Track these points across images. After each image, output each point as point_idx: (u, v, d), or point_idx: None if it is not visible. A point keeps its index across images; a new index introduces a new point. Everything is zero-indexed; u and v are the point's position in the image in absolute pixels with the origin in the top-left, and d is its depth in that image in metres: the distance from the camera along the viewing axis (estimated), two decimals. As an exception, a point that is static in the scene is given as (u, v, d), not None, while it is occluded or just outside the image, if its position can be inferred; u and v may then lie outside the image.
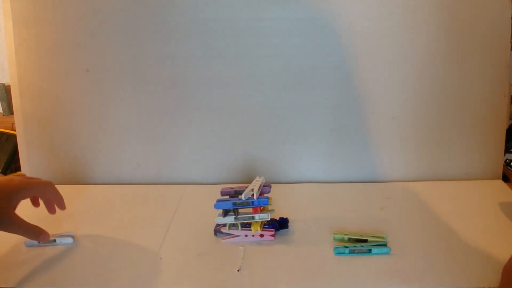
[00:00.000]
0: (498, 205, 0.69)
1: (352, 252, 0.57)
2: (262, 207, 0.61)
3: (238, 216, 0.60)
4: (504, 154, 0.79)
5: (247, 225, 0.61)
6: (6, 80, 0.89)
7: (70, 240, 0.62)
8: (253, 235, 0.61)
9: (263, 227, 0.61)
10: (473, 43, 0.74)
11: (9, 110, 0.89)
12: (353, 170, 0.79)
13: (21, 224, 0.55)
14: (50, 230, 0.64)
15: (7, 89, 0.89)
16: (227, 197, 0.62)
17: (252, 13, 0.74)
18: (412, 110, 0.76)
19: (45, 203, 0.61)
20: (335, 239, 0.60)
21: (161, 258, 0.58)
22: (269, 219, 0.61)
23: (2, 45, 0.82)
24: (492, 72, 0.74)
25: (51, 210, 0.61)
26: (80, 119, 0.79)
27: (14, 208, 0.55)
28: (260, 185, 0.61)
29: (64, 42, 0.76)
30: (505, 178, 0.77)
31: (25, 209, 0.72)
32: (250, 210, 0.60)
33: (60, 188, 0.79)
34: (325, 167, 0.79)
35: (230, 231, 0.61)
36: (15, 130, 0.83)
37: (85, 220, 0.68)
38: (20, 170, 0.82)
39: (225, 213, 0.60)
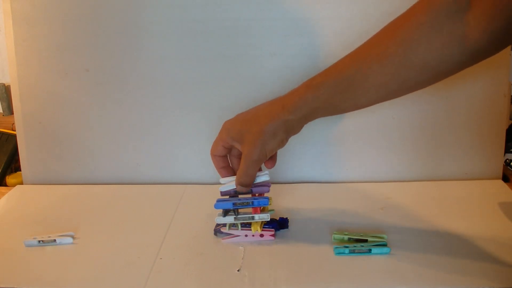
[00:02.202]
0: (498, 205, 0.69)
1: (352, 252, 0.57)
2: (262, 207, 0.61)
3: (238, 216, 0.60)
4: (504, 154, 0.79)
5: (247, 225, 0.61)
6: (6, 80, 0.89)
7: (70, 240, 0.62)
8: (253, 235, 0.61)
9: (263, 227, 0.61)
10: (473, 43, 0.73)
11: (9, 110, 0.89)
12: (353, 170, 0.79)
13: None
14: (50, 230, 0.64)
15: (7, 89, 0.89)
16: (227, 197, 0.62)
17: (252, 13, 0.74)
18: (411, 110, 0.76)
19: None
20: (335, 239, 0.60)
21: (161, 258, 0.58)
22: (269, 219, 0.61)
23: (2, 45, 0.82)
24: (492, 72, 0.74)
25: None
26: (80, 119, 0.79)
27: None
28: (263, 180, 0.60)
29: (64, 42, 0.76)
30: (505, 178, 0.77)
31: (25, 209, 0.72)
32: (250, 210, 0.60)
33: (60, 188, 0.79)
34: (325, 167, 0.79)
35: (230, 231, 0.61)
36: (15, 130, 0.83)
37: (85, 220, 0.68)
38: (20, 170, 0.82)
39: (225, 213, 0.60)
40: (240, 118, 0.59)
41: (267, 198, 0.60)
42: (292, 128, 0.56)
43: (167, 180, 0.80)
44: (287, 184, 0.77)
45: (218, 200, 0.61)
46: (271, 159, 0.60)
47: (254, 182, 0.60)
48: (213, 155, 0.61)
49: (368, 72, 0.51)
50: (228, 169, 0.62)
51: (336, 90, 0.53)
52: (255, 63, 0.75)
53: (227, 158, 0.62)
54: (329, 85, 0.53)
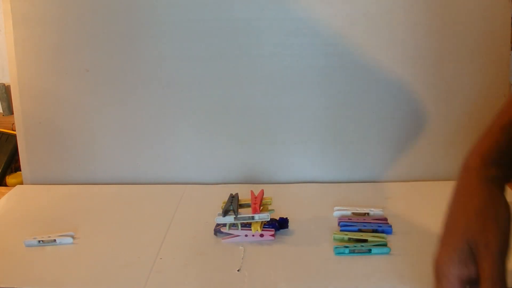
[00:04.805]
0: (498, 205, 0.68)
1: (352, 252, 0.57)
2: (262, 207, 0.61)
3: (238, 216, 0.60)
4: (504, 154, 0.78)
5: (247, 225, 0.61)
6: (6, 80, 0.89)
7: (70, 240, 0.62)
8: (253, 235, 0.61)
9: (263, 227, 0.61)
10: (473, 43, 0.73)
11: (9, 110, 0.89)
12: (353, 170, 0.79)
13: None
14: (50, 230, 0.64)
15: (7, 89, 0.89)
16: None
17: (252, 13, 0.74)
18: (411, 110, 0.76)
19: None
20: (335, 239, 0.60)
21: (161, 258, 0.58)
22: (269, 219, 0.61)
23: (2, 45, 0.82)
24: (492, 72, 0.74)
25: None
26: (80, 119, 0.79)
27: None
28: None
29: (64, 42, 0.76)
30: (505, 178, 0.77)
31: (25, 209, 0.72)
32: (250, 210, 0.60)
33: (60, 188, 0.79)
34: (325, 167, 0.79)
35: (230, 231, 0.61)
36: (15, 130, 0.83)
37: (85, 220, 0.68)
38: (20, 170, 0.82)
39: (225, 213, 0.60)
40: None
41: None
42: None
43: (167, 180, 0.80)
44: (287, 184, 0.77)
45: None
46: None
47: None
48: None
49: None
50: None
51: None
52: (255, 63, 0.75)
53: None
54: None
